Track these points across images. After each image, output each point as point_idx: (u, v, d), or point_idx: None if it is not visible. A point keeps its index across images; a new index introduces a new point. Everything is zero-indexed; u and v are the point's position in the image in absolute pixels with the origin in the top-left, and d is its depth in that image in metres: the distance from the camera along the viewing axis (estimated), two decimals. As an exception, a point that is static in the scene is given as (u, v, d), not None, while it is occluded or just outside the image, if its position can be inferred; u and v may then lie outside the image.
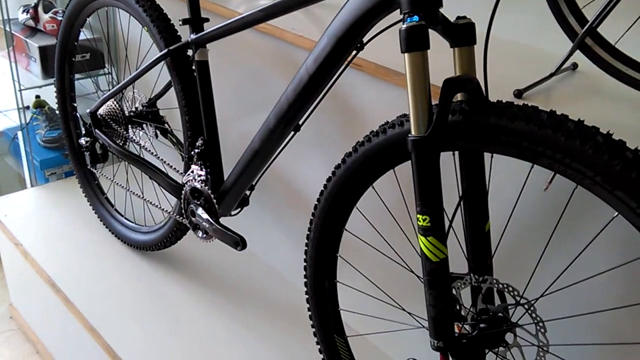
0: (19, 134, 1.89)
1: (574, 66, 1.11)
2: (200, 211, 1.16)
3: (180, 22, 1.11)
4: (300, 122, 0.99)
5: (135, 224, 1.54)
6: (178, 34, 1.21)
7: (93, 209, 1.63)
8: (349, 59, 0.87)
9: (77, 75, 1.80)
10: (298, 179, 1.37)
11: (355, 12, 0.80)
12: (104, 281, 1.40)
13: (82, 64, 1.79)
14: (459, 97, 0.75)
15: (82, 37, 1.50)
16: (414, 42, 0.69)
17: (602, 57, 0.97)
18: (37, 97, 1.99)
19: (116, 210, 1.59)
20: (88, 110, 1.39)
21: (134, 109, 1.38)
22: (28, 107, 1.96)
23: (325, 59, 0.86)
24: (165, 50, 1.15)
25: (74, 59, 1.55)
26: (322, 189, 0.95)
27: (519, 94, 0.96)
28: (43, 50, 1.70)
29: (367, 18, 0.79)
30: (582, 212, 0.86)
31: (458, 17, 0.77)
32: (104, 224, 1.60)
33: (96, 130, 1.38)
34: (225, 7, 1.35)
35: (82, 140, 1.42)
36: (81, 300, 1.34)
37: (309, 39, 1.19)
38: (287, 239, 1.46)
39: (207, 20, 1.13)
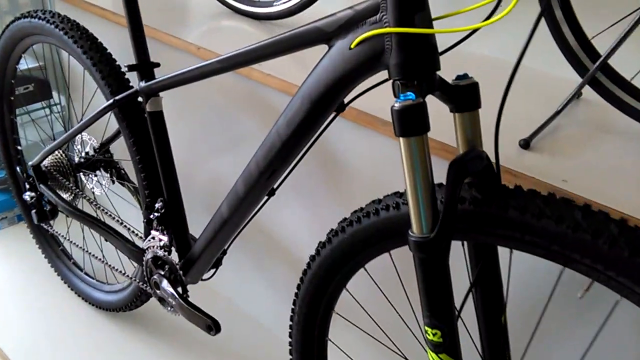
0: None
1: (578, 95, 0.99)
2: (165, 284, 1.01)
3: (126, 69, 0.95)
4: (275, 187, 0.85)
5: (96, 280, 1.38)
6: (126, 78, 1.05)
7: (49, 262, 1.46)
8: (327, 121, 0.73)
9: (25, 109, 1.62)
10: (277, 226, 1.23)
11: (332, 72, 0.66)
12: (63, 349, 1.25)
13: (27, 96, 1.60)
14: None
15: (23, 66, 1.31)
16: (411, 126, 0.56)
17: (615, 94, 0.85)
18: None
19: (74, 264, 1.43)
20: (30, 163, 1.22)
21: (83, 156, 1.21)
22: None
23: (299, 123, 0.72)
24: (112, 101, 0.98)
25: (12, 98, 1.37)
26: (305, 267, 0.81)
27: (525, 144, 0.83)
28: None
29: (346, 80, 0.65)
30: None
31: (458, 77, 0.63)
32: (62, 280, 1.44)
33: (41, 186, 1.21)
34: (179, 39, 1.19)
35: (27, 196, 1.24)
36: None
37: (279, 78, 1.04)
38: (269, 289, 1.32)
39: (158, 65, 0.97)
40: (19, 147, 1.43)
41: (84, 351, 1.25)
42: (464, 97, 0.62)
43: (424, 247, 0.57)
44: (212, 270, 1.05)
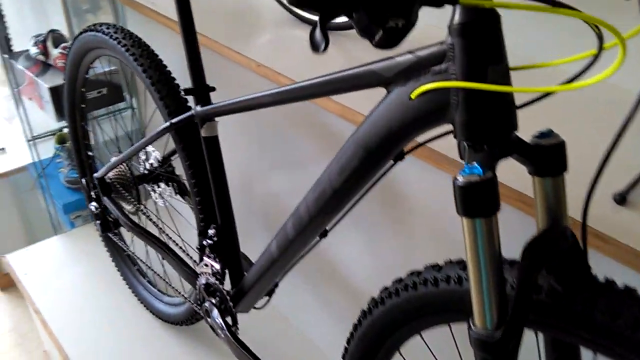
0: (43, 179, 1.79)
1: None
2: (215, 314, 0.98)
3: (183, 92, 0.92)
4: (328, 228, 0.78)
5: (157, 289, 1.39)
6: (185, 98, 1.02)
7: (116, 266, 1.50)
8: (385, 169, 0.65)
9: (98, 112, 1.66)
10: (334, 254, 1.17)
11: (389, 121, 0.57)
12: (119, 354, 1.27)
13: (100, 100, 1.64)
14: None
15: (98, 70, 1.33)
16: (476, 206, 0.47)
17: None
18: (60, 130, 1.87)
19: (138, 270, 1.45)
20: (95, 175, 1.23)
21: (146, 168, 1.21)
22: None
23: (352, 172, 0.64)
24: (168, 124, 0.96)
25: (83, 105, 1.39)
26: (356, 322, 0.74)
27: (621, 199, 0.70)
28: (54, 91, 1.55)
29: (405, 131, 0.57)
30: None
31: (541, 134, 0.53)
32: (126, 284, 1.47)
33: (104, 198, 1.22)
34: (239, 54, 1.14)
35: (92, 207, 1.27)
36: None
37: (339, 103, 0.96)
38: (325, 313, 1.27)
39: (213, 89, 0.92)
40: (89, 153, 1.46)
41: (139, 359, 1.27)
42: (546, 159, 0.52)
43: (487, 347, 0.48)
44: (265, 299, 1.01)
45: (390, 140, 0.59)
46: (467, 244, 0.48)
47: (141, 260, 1.29)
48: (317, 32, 0.33)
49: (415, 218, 0.96)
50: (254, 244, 1.08)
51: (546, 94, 0.52)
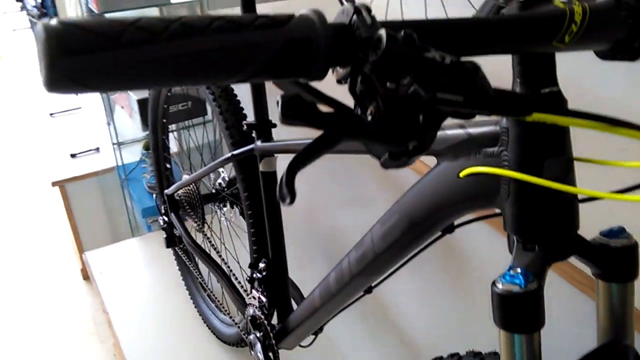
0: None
1: None
2: (258, 348, 0.97)
3: (245, 127, 0.92)
4: (373, 285, 0.74)
5: (216, 305, 1.42)
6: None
7: (181, 275, 1.55)
8: (432, 240, 0.60)
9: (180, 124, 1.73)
10: (391, 299, 1.12)
11: (435, 195, 0.53)
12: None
13: (184, 113, 1.71)
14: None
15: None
16: (515, 320, 0.41)
17: None
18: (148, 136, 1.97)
19: (200, 284, 1.48)
20: (166, 192, 1.28)
21: (215, 187, 1.24)
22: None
23: (395, 240, 0.60)
24: (229, 155, 0.97)
25: (165, 120, 1.45)
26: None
27: None
28: (142, 103, 1.64)
29: (451, 208, 0.52)
30: None
31: (610, 232, 0.46)
32: (189, 295, 1.51)
33: (171, 214, 1.26)
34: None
35: (160, 220, 1.31)
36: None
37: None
38: (376, 352, 1.22)
39: (274, 126, 0.92)
40: (167, 165, 1.52)
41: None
42: (614, 262, 0.45)
43: None
44: (311, 338, 0.98)
45: (435, 215, 0.54)
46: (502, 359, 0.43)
47: (200, 276, 1.32)
48: (284, 183, 0.30)
49: (476, 282, 0.89)
50: (311, 275, 1.06)
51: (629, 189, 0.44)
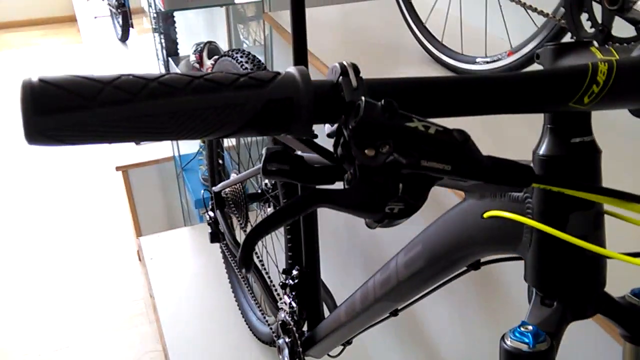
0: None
1: None
2: (285, 353, 0.98)
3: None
4: (399, 309, 0.73)
5: (255, 301, 1.44)
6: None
7: (225, 269, 1.59)
8: (456, 274, 0.58)
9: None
10: (424, 317, 1.10)
11: (458, 231, 0.51)
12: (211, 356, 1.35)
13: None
14: None
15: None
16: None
17: None
18: (207, 129, 2.03)
19: (242, 279, 1.52)
20: (213, 188, 1.31)
21: (259, 187, 1.26)
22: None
23: (418, 270, 0.59)
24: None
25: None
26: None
27: None
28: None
29: (474, 247, 0.50)
30: None
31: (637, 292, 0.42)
32: (231, 288, 1.55)
33: (217, 211, 1.30)
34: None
35: (207, 215, 1.35)
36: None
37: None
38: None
39: (316, 136, 0.91)
40: (220, 161, 1.56)
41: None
42: (643, 324, 0.41)
43: None
44: (340, 348, 0.98)
45: (456, 252, 0.52)
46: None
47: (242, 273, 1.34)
48: (240, 255, 0.29)
49: (511, 311, 0.85)
50: (346, 283, 1.06)
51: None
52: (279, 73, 0.30)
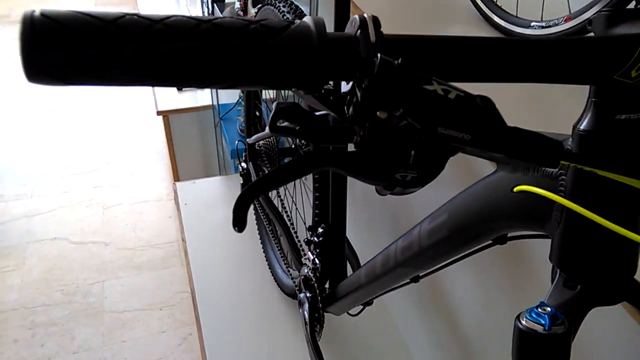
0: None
1: None
2: (305, 307, 1.00)
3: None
4: (420, 275, 0.72)
5: (282, 254, 1.46)
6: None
7: (256, 221, 1.61)
8: (480, 247, 0.56)
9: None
10: (448, 287, 1.09)
11: (485, 203, 0.49)
12: (235, 311, 1.39)
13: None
14: None
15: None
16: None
17: None
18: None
19: (272, 231, 1.53)
20: (248, 140, 1.31)
21: (295, 143, 1.25)
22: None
23: (441, 240, 0.57)
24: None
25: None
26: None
27: None
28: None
29: (501, 221, 0.48)
30: None
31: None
32: (260, 240, 1.57)
33: (250, 163, 1.30)
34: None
35: (240, 167, 1.36)
36: (210, 329, 1.34)
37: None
38: (431, 340, 1.21)
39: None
40: (257, 113, 1.56)
41: (260, 321, 1.36)
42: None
43: None
44: (360, 307, 0.99)
45: (481, 225, 0.50)
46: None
47: (271, 226, 1.36)
48: (235, 212, 0.28)
49: (536, 290, 0.83)
50: (372, 243, 1.05)
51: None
52: (292, 22, 0.28)
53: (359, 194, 1.41)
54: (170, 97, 2.18)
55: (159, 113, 2.16)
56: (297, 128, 0.27)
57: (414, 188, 0.28)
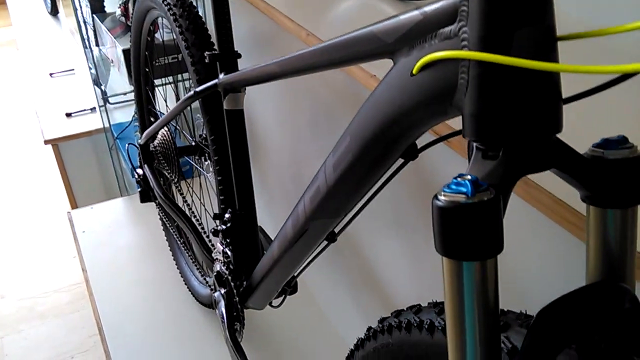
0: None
1: None
2: (221, 306, 0.88)
3: (207, 58, 0.82)
4: (336, 232, 0.64)
5: (196, 264, 1.33)
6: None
7: (165, 235, 1.47)
8: (391, 169, 0.49)
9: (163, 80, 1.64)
10: (375, 252, 1.02)
11: (387, 105, 0.42)
12: (152, 341, 1.23)
13: (174, 66, 1.61)
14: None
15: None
16: (458, 243, 0.30)
17: None
18: (142, 94, 1.89)
19: (183, 243, 1.40)
20: (138, 142, 1.19)
21: (195, 139, 1.14)
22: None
23: (347, 168, 0.50)
24: (192, 92, 0.87)
25: (147, 69, 1.36)
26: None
27: None
28: (127, 53, 1.54)
29: (406, 120, 0.41)
30: None
31: (607, 143, 0.35)
32: (171, 254, 1.43)
33: (145, 166, 1.17)
34: (291, 20, 1.01)
35: (135, 173, 1.23)
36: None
37: (367, 71, 0.80)
38: (359, 311, 1.13)
39: (239, 56, 0.81)
40: (152, 119, 1.43)
41: (170, 332, 1.22)
42: (611, 182, 0.34)
43: None
44: (283, 297, 0.89)
45: (387, 131, 0.43)
46: (446, 295, 0.32)
47: (179, 235, 1.23)
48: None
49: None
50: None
51: (616, 80, 0.33)
52: None
53: (270, 177, 1.32)
54: (58, 124, 1.99)
55: (46, 142, 1.96)
56: None
57: None
